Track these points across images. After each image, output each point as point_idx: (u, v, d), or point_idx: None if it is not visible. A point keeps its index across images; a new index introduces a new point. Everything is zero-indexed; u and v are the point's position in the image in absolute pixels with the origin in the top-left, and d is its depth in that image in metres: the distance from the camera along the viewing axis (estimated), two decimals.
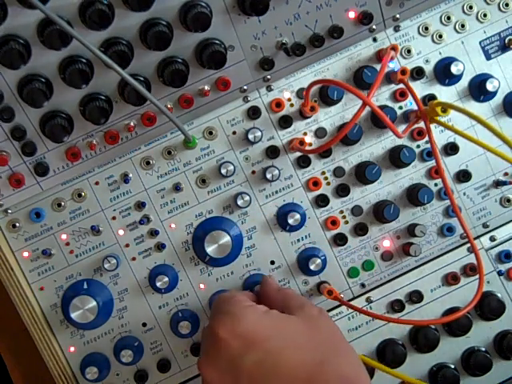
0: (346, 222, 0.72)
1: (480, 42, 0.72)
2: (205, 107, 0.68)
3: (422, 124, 0.68)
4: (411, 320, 0.72)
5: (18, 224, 0.68)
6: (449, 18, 0.71)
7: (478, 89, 0.71)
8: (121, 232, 0.70)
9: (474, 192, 0.73)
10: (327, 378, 0.50)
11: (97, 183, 0.69)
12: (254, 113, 0.70)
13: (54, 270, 0.70)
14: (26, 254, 0.69)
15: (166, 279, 0.68)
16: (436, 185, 0.72)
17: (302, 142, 0.69)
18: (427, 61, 0.71)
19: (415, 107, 0.69)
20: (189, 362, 0.72)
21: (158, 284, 0.68)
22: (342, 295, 0.72)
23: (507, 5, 0.71)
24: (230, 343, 0.53)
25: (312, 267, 0.70)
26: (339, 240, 0.72)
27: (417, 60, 0.71)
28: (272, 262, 0.72)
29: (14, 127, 0.64)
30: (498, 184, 0.73)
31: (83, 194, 0.69)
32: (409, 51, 0.71)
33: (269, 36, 0.67)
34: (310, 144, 0.71)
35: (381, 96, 0.71)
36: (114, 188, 0.70)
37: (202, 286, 0.71)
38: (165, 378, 0.72)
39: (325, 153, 0.71)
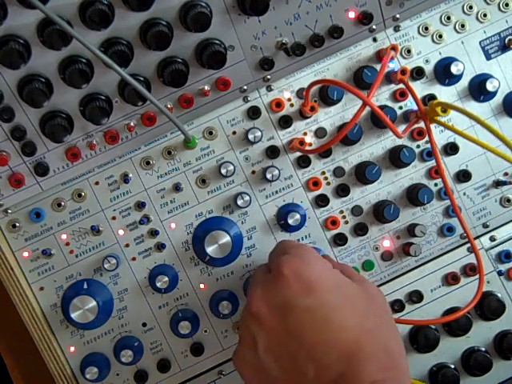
0: (346, 222, 0.72)
1: (480, 42, 0.72)
2: (205, 107, 0.68)
3: (422, 124, 0.68)
4: (411, 320, 0.72)
5: (18, 224, 0.68)
6: (449, 17, 0.71)
7: (478, 89, 0.71)
8: (121, 232, 0.70)
9: (474, 192, 0.73)
10: (372, 348, 0.50)
11: (97, 183, 0.69)
12: (253, 113, 0.70)
13: (53, 270, 0.70)
14: (25, 254, 0.69)
15: (166, 279, 0.68)
16: (436, 185, 0.72)
17: (301, 142, 0.69)
18: (427, 61, 0.71)
19: (415, 107, 0.69)
20: (189, 361, 0.72)
21: (158, 284, 0.68)
22: None
23: (507, 5, 0.71)
24: (291, 283, 0.53)
25: None
26: (339, 240, 0.72)
27: (417, 60, 0.71)
28: None
29: (14, 127, 0.64)
30: (498, 184, 0.73)
31: (83, 193, 0.69)
32: (409, 51, 0.71)
33: (269, 36, 0.67)
34: (310, 144, 0.71)
35: (381, 96, 0.71)
36: (114, 188, 0.70)
37: (201, 286, 0.71)
38: (165, 377, 0.72)
39: (325, 153, 0.71)
